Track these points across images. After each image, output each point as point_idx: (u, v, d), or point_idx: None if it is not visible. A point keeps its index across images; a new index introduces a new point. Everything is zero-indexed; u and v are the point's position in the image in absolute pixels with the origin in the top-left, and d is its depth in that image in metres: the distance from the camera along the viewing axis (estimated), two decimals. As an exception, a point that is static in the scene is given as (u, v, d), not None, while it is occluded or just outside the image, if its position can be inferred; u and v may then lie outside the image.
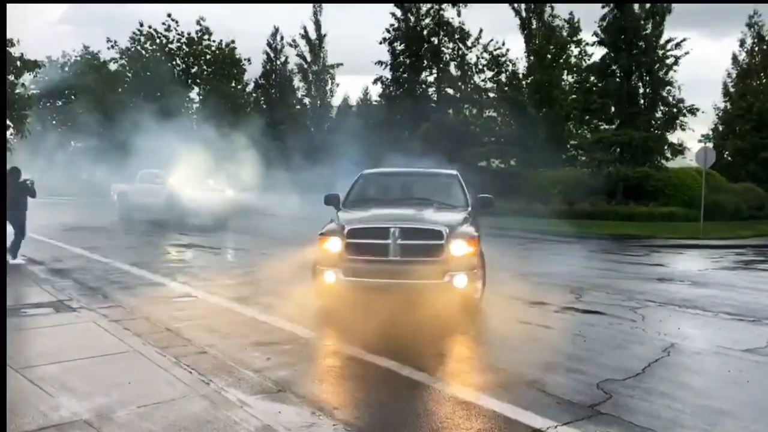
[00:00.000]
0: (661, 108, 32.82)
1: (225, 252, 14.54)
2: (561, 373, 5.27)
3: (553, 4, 37.25)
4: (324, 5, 45.85)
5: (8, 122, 16.73)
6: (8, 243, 10.82)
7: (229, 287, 9.12)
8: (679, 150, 31.69)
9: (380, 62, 36.08)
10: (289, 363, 5.44)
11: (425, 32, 34.91)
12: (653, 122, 32.69)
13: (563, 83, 39.02)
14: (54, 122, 43.81)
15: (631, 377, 5.18)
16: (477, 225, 7.68)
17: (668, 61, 32.23)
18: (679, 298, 8.97)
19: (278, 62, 56.67)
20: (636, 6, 31.69)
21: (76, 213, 24.42)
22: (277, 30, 48.61)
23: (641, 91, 33.08)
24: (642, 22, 32.21)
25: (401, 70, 36.09)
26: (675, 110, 32.07)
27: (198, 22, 45.89)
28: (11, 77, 17.35)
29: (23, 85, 20.71)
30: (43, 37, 59.24)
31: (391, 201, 8.55)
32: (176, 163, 19.63)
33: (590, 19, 61.08)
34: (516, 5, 37.00)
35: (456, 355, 5.88)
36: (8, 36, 17.31)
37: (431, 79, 35.65)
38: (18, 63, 17.74)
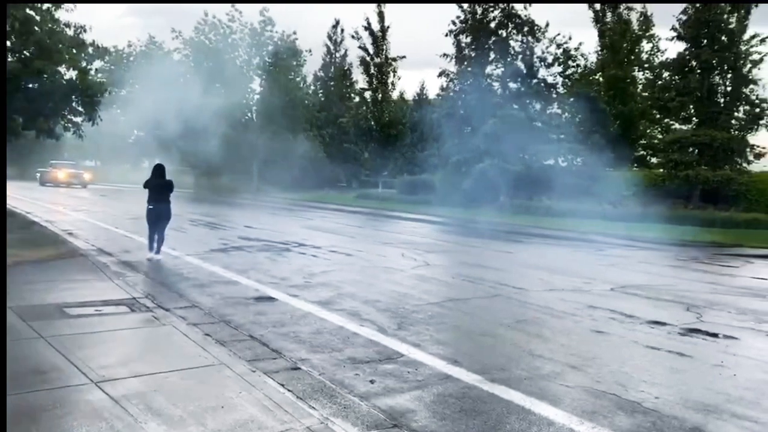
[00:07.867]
0: (744, 107, 30.95)
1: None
2: (727, 419, 4.37)
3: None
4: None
5: (79, 108, 16.63)
6: (154, 242, 10.67)
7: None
8: (761, 153, 29.77)
9: (445, 55, 34.91)
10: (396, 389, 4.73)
11: (493, 24, 33.59)
12: (734, 122, 30.81)
13: (637, 80, 37.16)
14: (118, 111, 44.30)
15: (817, 430, 4.22)
16: None
17: (752, 58, 30.40)
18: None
19: (338, 55, 56.20)
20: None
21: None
22: (338, 22, 47.99)
23: (722, 89, 31.19)
24: (726, 16, 30.36)
25: (465, 63, 34.85)
26: (758, 110, 30.30)
27: (261, 13, 45.65)
28: (83, 63, 17.26)
29: (97, 70, 20.66)
30: (111, 27, 60.59)
31: None
32: None
33: (662, 14, 58.63)
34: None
35: (588, 387, 5.00)
36: (80, 23, 17.14)
37: (498, 73, 34.29)
38: (90, 50, 17.62)
